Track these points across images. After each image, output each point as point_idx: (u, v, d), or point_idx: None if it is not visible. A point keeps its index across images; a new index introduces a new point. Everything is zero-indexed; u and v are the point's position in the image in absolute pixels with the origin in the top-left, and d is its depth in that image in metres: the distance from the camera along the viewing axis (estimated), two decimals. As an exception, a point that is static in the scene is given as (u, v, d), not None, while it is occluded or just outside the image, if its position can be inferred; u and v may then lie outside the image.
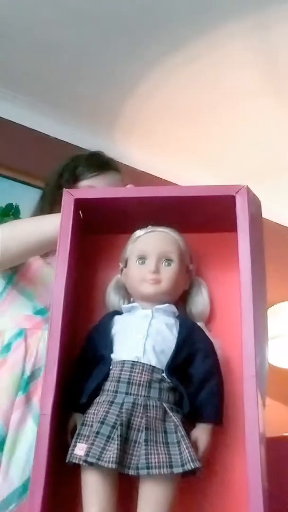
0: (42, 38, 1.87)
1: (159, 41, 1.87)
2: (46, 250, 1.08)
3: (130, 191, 0.91)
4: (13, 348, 1.10)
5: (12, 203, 2.11)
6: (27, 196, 2.18)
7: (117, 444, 0.74)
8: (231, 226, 0.86)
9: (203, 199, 0.89)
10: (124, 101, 2.13)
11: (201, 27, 1.81)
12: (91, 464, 0.75)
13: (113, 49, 1.90)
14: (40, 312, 1.14)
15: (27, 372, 1.07)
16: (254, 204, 0.88)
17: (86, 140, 2.27)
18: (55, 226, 0.89)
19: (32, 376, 1.07)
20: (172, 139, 2.30)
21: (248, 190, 0.87)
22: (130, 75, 2.01)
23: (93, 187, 1.18)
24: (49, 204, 1.24)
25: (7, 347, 1.10)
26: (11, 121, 2.15)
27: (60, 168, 1.27)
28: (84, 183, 1.20)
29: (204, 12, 1.75)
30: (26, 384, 1.06)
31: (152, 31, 1.83)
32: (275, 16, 1.75)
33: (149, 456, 0.75)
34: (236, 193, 0.86)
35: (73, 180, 1.22)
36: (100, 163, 1.24)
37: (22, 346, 1.09)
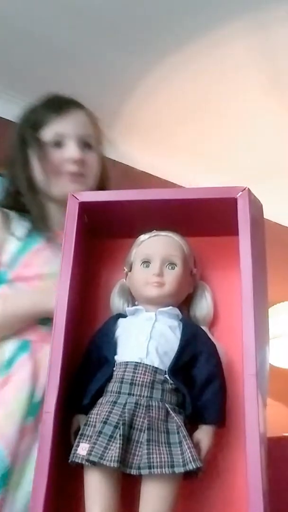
0: (42, 38, 1.87)
1: (159, 41, 1.87)
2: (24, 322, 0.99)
3: (133, 193, 0.92)
4: (18, 364, 0.97)
5: (12, 203, 2.11)
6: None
7: (119, 444, 0.75)
8: (233, 230, 0.86)
9: (204, 201, 0.90)
10: (124, 101, 2.13)
11: (201, 27, 1.81)
12: (93, 463, 0.76)
13: (113, 49, 1.90)
14: (45, 322, 0.99)
15: (37, 394, 0.94)
16: (256, 207, 0.89)
17: (86, 140, 2.27)
18: (32, 302, 0.89)
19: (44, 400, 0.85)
20: (172, 139, 2.30)
21: (249, 193, 0.87)
22: (130, 75, 2.01)
23: (60, 133, 1.06)
24: (22, 163, 1.07)
25: (9, 362, 0.97)
26: (11, 121, 2.15)
27: (19, 125, 1.12)
28: (47, 131, 1.06)
29: (204, 12, 1.76)
30: (35, 407, 0.93)
31: (152, 31, 1.83)
32: (275, 16, 1.75)
33: (151, 456, 0.76)
34: (237, 195, 0.87)
35: (35, 131, 1.07)
36: (57, 104, 1.10)
37: (29, 363, 0.96)
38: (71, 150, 1.05)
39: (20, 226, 1.06)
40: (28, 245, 1.05)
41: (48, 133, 1.06)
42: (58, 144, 1.05)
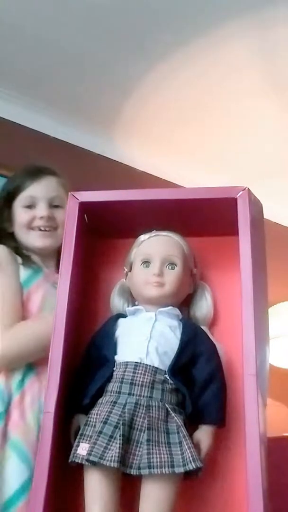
0: (43, 38, 1.87)
1: (159, 41, 1.87)
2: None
3: (133, 193, 0.92)
4: (28, 385, 1.05)
5: (12, 203, 2.11)
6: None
7: (119, 444, 0.75)
8: (233, 230, 0.86)
9: (204, 201, 0.90)
10: (124, 101, 2.13)
11: (201, 27, 1.81)
12: (93, 463, 0.76)
13: (113, 49, 1.90)
14: None
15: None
16: (256, 207, 0.89)
17: (86, 140, 2.27)
18: (49, 324, 0.89)
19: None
20: (172, 139, 2.30)
21: (250, 193, 0.87)
22: (130, 75, 2.01)
23: (32, 196, 1.19)
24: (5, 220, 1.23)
25: (22, 382, 1.06)
26: (11, 121, 2.15)
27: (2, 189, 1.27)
28: (22, 195, 1.21)
29: (204, 12, 1.75)
30: None
31: (152, 31, 1.83)
32: (275, 16, 1.75)
33: (151, 456, 0.76)
34: (237, 195, 0.87)
35: (13, 198, 1.22)
36: (31, 172, 1.24)
37: (36, 384, 1.05)
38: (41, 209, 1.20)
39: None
40: (31, 279, 1.15)
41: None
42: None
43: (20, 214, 1.20)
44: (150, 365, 0.83)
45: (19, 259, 1.17)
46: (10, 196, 1.23)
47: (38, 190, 1.21)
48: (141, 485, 0.79)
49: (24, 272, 1.14)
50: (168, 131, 2.26)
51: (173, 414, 0.80)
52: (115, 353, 0.86)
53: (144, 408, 0.79)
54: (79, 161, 2.25)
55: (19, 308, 1.09)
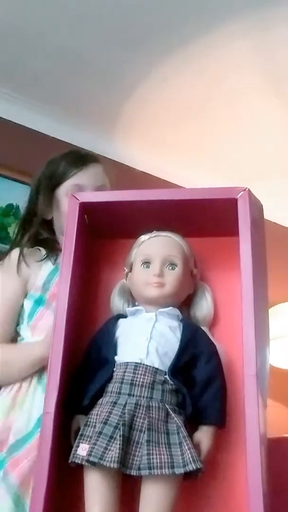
0: (43, 38, 1.87)
1: (159, 41, 1.87)
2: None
3: (133, 194, 0.92)
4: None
5: (12, 203, 2.11)
6: (27, 196, 2.18)
7: (119, 444, 0.75)
8: (234, 230, 0.86)
9: (205, 202, 0.90)
10: (124, 101, 2.13)
11: (201, 27, 1.81)
12: (93, 463, 0.76)
13: (113, 49, 1.90)
14: None
15: None
16: (256, 207, 0.89)
17: (86, 140, 2.27)
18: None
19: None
20: (172, 139, 2.30)
21: (250, 193, 0.87)
22: (130, 75, 2.01)
23: (79, 184, 1.16)
24: (40, 215, 1.20)
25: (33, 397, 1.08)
26: (11, 121, 2.15)
27: (37, 178, 1.23)
28: (68, 183, 1.17)
29: (204, 12, 1.75)
30: None
31: (152, 31, 1.83)
32: (275, 16, 1.75)
33: (151, 457, 0.76)
34: (238, 196, 0.87)
35: (55, 185, 1.18)
36: (77, 159, 1.20)
37: None
38: None
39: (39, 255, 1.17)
40: (58, 268, 1.14)
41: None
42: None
43: (65, 203, 1.10)
44: (150, 366, 0.83)
45: (43, 252, 1.15)
46: (53, 182, 1.18)
47: (85, 179, 1.16)
48: (141, 485, 0.78)
49: (46, 266, 1.14)
50: (168, 131, 2.26)
51: (173, 415, 0.80)
52: (115, 353, 0.86)
53: (144, 409, 0.79)
54: (79, 161, 2.25)
55: (9, 325, 1.13)
